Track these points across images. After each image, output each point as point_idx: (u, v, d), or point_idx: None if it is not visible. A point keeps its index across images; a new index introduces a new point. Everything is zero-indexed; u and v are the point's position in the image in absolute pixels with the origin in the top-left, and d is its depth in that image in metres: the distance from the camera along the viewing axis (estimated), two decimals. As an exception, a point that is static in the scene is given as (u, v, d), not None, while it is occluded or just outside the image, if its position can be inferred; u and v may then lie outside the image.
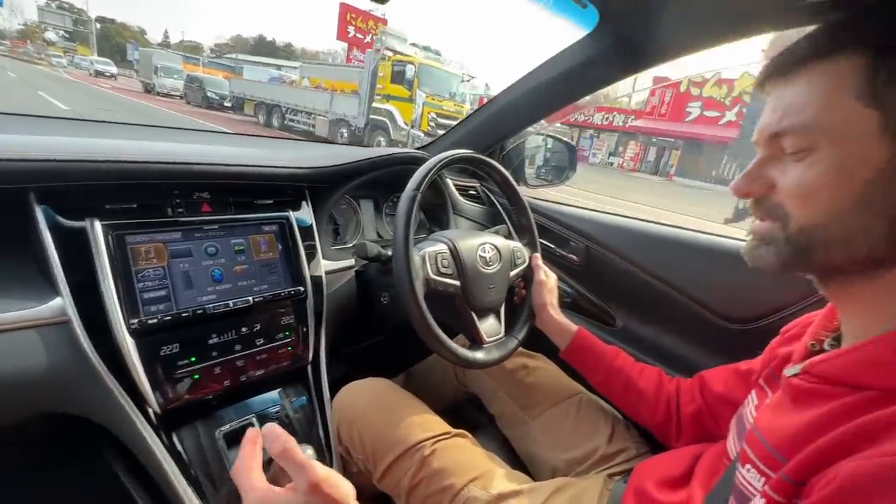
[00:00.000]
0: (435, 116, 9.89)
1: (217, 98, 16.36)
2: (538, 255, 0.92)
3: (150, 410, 0.60)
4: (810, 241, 0.39)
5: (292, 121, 12.22)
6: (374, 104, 9.71)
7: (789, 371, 0.45)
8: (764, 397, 0.52)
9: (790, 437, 0.39)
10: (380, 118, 9.75)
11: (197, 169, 0.67)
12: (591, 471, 0.75)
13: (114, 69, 26.40)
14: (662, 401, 0.73)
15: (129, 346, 0.57)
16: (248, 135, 1.32)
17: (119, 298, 0.57)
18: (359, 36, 13.84)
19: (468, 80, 11.79)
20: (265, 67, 26.52)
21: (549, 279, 0.89)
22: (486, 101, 1.17)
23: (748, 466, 0.43)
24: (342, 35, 13.86)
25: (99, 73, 25.86)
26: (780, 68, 0.41)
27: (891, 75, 0.35)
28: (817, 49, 0.39)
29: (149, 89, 20.94)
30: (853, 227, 0.37)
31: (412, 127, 9.43)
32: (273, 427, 0.44)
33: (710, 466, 0.57)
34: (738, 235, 0.96)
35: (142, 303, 0.60)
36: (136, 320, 0.58)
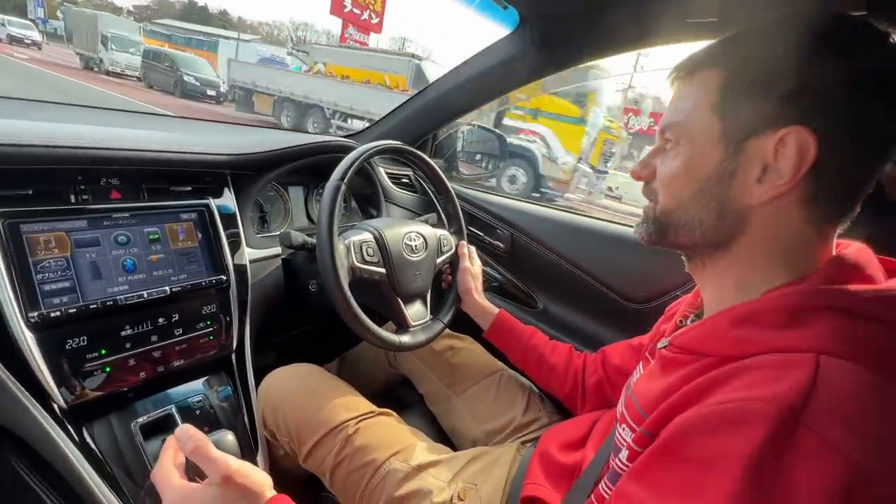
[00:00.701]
0: (612, 144, 7.03)
1: (198, 85, 12.18)
2: (465, 242, 0.97)
3: (55, 406, 0.57)
4: (667, 222, 0.47)
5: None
6: (509, 121, 6.51)
7: (661, 344, 0.53)
8: (647, 367, 0.60)
9: (654, 398, 0.45)
10: (518, 143, 6.56)
11: (102, 154, 0.64)
12: (508, 440, 0.83)
13: (36, 34, 19.31)
14: (570, 374, 0.82)
15: (27, 340, 0.55)
16: (194, 118, 1.23)
17: (14, 291, 0.54)
18: (355, 11, 11.84)
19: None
20: (246, 44, 21.46)
21: (474, 265, 0.95)
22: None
23: (623, 425, 0.50)
24: (336, 9, 11.75)
25: (15, 40, 18.25)
26: (678, 72, 0.47)
27: (735, 94, 0.42)
28: (700, 62, 0.45)
29: (91, 65, 15.58)
30: (691, 214, 0.45)
31: (580, 160, 6.61)
32: (185, 428, 0.46)
33: (604, 429, 0.66)
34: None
35: (42, 295, 0.57)
36: (35, 313, 0.55)
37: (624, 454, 0.47)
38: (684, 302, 0.61)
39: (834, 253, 0.42)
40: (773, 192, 0.40)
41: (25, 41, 18.59)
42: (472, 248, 0.98)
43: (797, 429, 0.30)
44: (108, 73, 14.97)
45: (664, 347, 0.50)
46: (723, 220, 0.43)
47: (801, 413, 0.30)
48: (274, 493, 0.46)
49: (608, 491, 0.49)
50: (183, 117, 1.23)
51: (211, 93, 12.52)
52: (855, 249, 0.42)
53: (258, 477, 0.45)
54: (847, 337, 0.35)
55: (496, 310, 0.90)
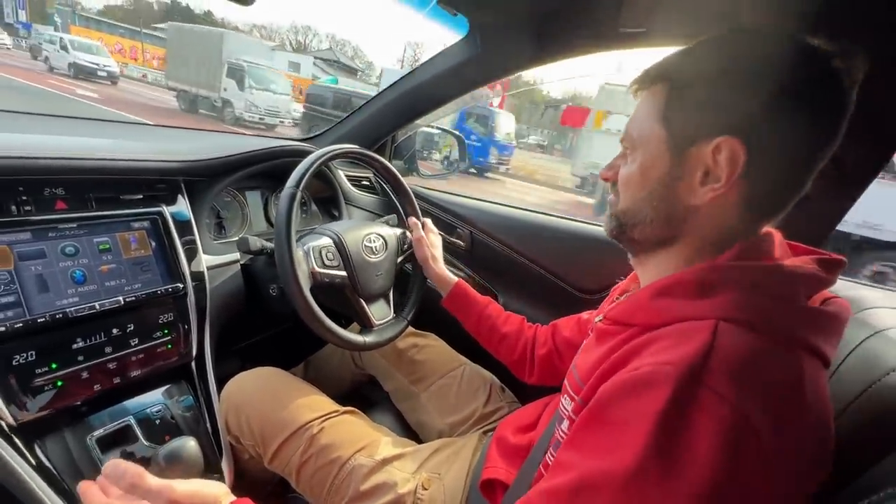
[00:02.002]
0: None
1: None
2: (414, 219, 0.97)
3: (3, 423, 0.56)
4: (624, 219, 0.51)
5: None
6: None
7: (597, 318, 0.58)
8: (587, 340, 0.63)
9: (589, 367, 0.49)
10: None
11: (42, 164, 0.62)
12: (471, 430, 0.86)
13: (114, 66, 14.30)
14: (521, 343, 0.86)
15: None
16: (151, 124, 1.18)
17: None
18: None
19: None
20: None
21: (429, 235, 0.96)
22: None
23: (566, 396, 0.54)
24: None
25: (83, 72, 12.97)
26: (638, 83, 0.51)
27: (677, 105, 0.45)
28: (651, 76, 0.48)
29: (198, 107, 11.06)
30: (644, 213, 0.49)
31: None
32: (114, 465, 0.45)
33: (553, 409, 0.70)
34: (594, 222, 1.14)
35: None
36: None
37: (565, 424, 0.51)
38: (623, 283, 0.66)
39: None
40: (712, 193, 0.43)
41: (98, 73, 13.32)
42: (427, 221, 0.99)
43: (697, 387, 0.34)
44: (239, 121, 10.03)
45: (600, 321, 0.55)
46: (670, 218, 0.47)
47: (701, 373, 0.35)
48: (232, 497, 0.47)
49: (552, 459, 0.53)
50: (146, 124, 1.20)
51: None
52: (767, 234, 0.47)
53: (210, 489, 0.46)
54: (744, 306, 0.39)
55: (455, 279, 0.93)
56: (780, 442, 0.34)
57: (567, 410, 0.51)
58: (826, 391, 0.40)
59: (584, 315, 0.81)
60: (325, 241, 0.82)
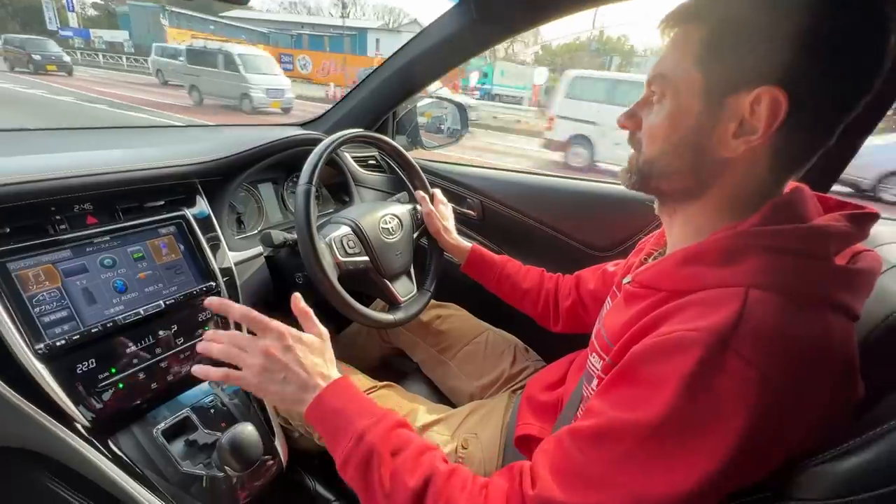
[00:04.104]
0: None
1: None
2: (421, 192, 0.99)
3: (79, 426, 0.62)
4: (650, 171, 0.50)
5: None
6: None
7: (625, 280, 0.58)
8: (614, 300, 0.64)
9: (618, 329, 0.48)
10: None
11: (69, 183, 0.65)
12: (500, 391, 0.91)
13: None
14: (542, 296, 0.89)
15: (40, 371, 0.58)
16: (138, 127, 1.19)
17: (17, 327, 0.57)
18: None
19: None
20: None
21: (438, 207, 0.98)
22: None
23: (594, 355, 0.56)
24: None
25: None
26: (667, 21, 0.46)
27: (714, 50, 0.42)
28: (684, 15, 0.45)
29: None
30: (672, 164, 0.48)
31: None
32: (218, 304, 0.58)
33: (580, 365, 0.74)
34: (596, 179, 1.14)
35: (43, 327, 0.59)
36: (41, 345, 0.58)
37: (595, 383, 0.53)
38: (652, 239, 0.66)
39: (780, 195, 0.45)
40: (745, 145, 0.42)
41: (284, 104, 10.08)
42: (436, 191, 1.00)
43: (725, 352, 0.36)
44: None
45: (628, 283, 0.55)
46: (700, 171, 0.46)
47: (730, 339, 0.36)
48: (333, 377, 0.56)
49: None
50: (151, 126, 1.20)
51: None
52: (796, 190, 0.45)
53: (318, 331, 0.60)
54: (773, 271, 0.39)
55: (468, 245, 0.96)
56: (807, 402, 0.37)
57: (596, 369, 0.53)
58: (854, 346, 0.41)
59: (609, 267, 0.81)
60: (345, 229, 0.84)
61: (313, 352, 0.56)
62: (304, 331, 0.58)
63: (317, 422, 0.53)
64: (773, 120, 0.40)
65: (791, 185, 0.47)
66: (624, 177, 0.54)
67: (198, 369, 0.55)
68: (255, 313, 0.56)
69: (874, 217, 0.44)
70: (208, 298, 0.60)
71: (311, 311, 0.59)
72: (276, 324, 0.56)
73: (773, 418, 0.36)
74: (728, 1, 0.43)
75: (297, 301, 0.58)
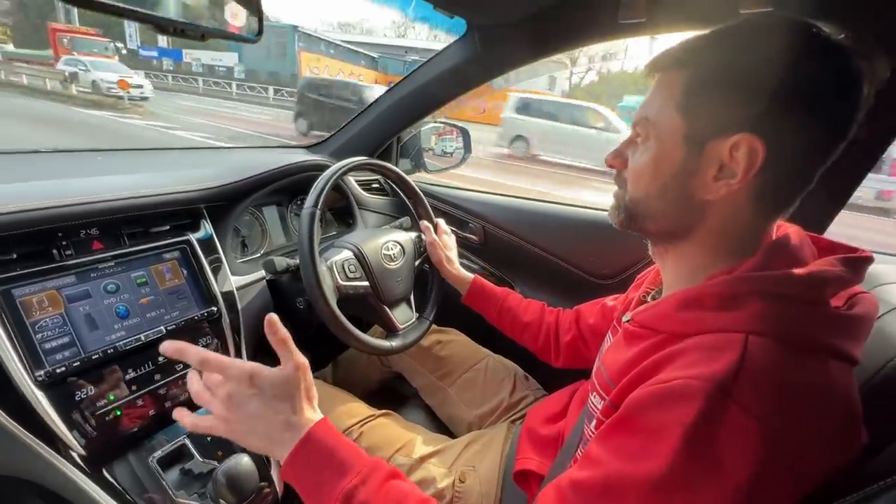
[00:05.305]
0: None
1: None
2: (426, 222, 1.00)
3: (74, 454, 0.61)
4: (635, 210, 0.51)
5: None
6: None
7: (625, 317, 0.58)
8: (615, 336, 0.64)
9: (618, 369, 0.48)
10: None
11: (76, 210, 0.65)
12: (499, 420, 0.90)
13: None
14: (543, 330, 0.89)
15: (38, 398, 0.57)
16: (149, 149, 1.20)
17: (18, 353, 0.57)
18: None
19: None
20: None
21: (441, 237, 0.99)
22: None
23: (595, 394, 0.56)
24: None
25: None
26: (653, 66, 0.48)
27: (696, 96, 0.44)
28: (668, 61, 0.47)
29: None
30: (656, 206, 0.49)
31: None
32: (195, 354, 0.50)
33: (581, 399, 0.73)
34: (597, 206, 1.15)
35: (44, 353, 0.59)
36: (41, 372, 0.58)
37: (595, 423, 0.53)
38: (650, 275, 0.66)
39: (774, 238, 0.46)
40: (726, 188, 0.43)
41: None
42: (440, 222, 1.01)
43: (726, 402, 0.36)
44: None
45: (628, 322, 0.55)
46: (683, 212, 0.47)
47: (731, 388, 0.36)
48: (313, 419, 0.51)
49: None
50: (160, 149, 1.22)
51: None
52: (791, 233, 0.46)
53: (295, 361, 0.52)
54: (771, 317, 0.39)
55: (471, 276, 0.96)
56: (808, 449, 0.36)
57: (597, 410, 0.53)
58: (854, 391, 0.41)
59: (609, 301, 0.82)
60: (347, 254, 0.85)
61: (281, 395, 0.49)
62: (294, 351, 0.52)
63: (295, 482, 0.48)
64: (751, 166, 0.42)
65: (786, 226, 0.48)
66: (613, 214, 0.55)
67: (177, 413, 0.51)
68: (212, 356, 0.50)
69: (868, 261, 0.45)
70: (162, 345, 0.51)
71: (289, 338, 0.51)
72: (239, 366, 0.49)
73: (776, 469, 0.36)
74: (709, 50, 0.45)
75: (273, 325, 0.50)
